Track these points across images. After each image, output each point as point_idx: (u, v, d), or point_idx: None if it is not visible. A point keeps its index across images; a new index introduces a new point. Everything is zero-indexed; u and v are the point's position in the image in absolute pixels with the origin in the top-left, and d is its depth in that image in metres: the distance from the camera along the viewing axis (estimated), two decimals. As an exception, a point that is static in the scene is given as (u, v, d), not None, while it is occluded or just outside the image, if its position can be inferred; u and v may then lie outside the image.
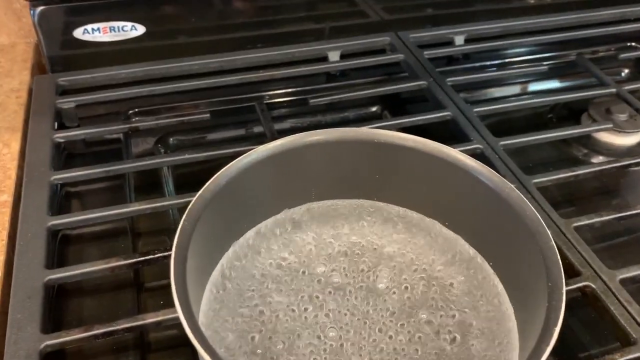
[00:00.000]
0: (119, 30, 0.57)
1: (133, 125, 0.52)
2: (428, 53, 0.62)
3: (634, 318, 0.37)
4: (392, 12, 0.65)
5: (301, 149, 0.36)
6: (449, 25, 0.65)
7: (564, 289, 0.28)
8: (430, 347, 0.31)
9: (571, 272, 0.40)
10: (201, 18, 0.59)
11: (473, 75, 0.60)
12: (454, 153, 0.35)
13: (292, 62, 0.60)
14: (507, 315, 0.33)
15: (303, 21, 0.62)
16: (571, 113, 0.61)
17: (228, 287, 0.34)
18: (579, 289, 0.39)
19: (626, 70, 0.69)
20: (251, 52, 0.60)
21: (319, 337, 0.32)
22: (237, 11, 0.60)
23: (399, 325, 0.33)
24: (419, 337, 0.32)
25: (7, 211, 0.43)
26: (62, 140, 0.50)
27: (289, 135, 0.36)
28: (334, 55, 0.61)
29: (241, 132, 0.58)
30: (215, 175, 0.33)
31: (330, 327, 0.32)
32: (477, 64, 0.65)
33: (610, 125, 0.55)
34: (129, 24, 0.57)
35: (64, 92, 0.55)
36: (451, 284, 0.35)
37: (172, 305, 0.26)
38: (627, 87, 0.58)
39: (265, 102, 0.57)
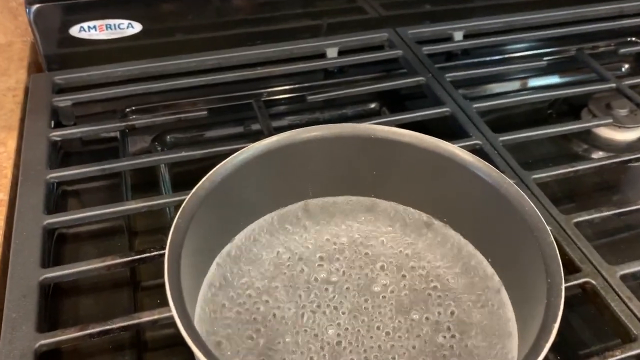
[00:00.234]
0: (115, 28, 0.57)
1: (130, 123, 0.52)
2: (426, 49, 0.61)
3: (634, 314, 0.36)
4: (390, 8, 0.64)
5: (297, 145, 0.36)
6: (447, 21, 0.65)
7: (563, 285, 0.28)
8: (429, 345, 0.31)
9: (571, 268, 0.39)
10: (198, 15, 0.59)
11: (472, 71, 0.60)
12: (452, 148, 0.35)
13: (289, 59, 0.60)
14: (506, 311, 0.33)
15: (300, 18, 0.62)
16: (571, 108, 0.60)
17: (224, 285, 0.33)
18: (579, 285, 0.38)
19: (626, 65, 0.69)
20: (248, 49, 0.59)
21: (316, 335, 0.31)
22: (234, 8, 0.60)
23: (397, 322, 0.32)
24: (417, 335, 0.32)
25: (2, 210, 0.43)
26: (58, 139, 0.49)
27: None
28: (331, 52, 0.61)
29: (239, 129, 0.57)
30: (210, 173, 0.33)
31: (328, 325, 0.32)
32: (476, 60, 0.65)
33: (611, 121, 0.54)
34: (125, 22, 0.57)
35: (61, 90, 0.55)
36: (449, 281, 0.35)
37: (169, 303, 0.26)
38: (627, 82, 0.58)
39: (262, 99, 0.56)
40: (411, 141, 0.36)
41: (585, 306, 0.39)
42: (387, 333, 0.32)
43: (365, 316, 0.33)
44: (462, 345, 0.31)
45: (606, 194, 0.52)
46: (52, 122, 0.51)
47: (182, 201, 0.31)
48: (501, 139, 0.49)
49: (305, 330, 0.32)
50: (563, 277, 0.29)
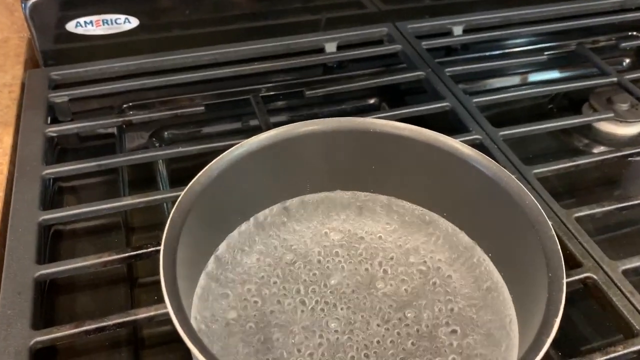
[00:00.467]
0: (112, 23, 0.57)
1: (127, 118, 0.51)
2: (426, 44, 0.61)
3: (636, 309, 0.36)
4: (390, 3, 0.64)
5: (295, 140, 0.35)
6: (447, 16, 0.64)
7: (565, 279, 0.28)
8: (429, 340, 0.31)
9: (572, 264, 0.39)
10: (195, 10, 0.58)
11: (472, 65, 0.59)
12: (451, 142, 0.35)
13: (288, 53, 0.59)
14: (507, 306, 0.32)
15: (299, 12, 0.62)
16: (572, 103, 0.60)
17: (221, 280, 0.33)
18: (580, 280, 0.38)
19: (627, 60, 0.68)
20: (246, 44, 0.59)
21: (315, 330, 0.31)
22: (232, 3, 0.59)
23: (396, 317, 0.32)
24: (417, 330, 0.31)
25: (-2, 206, 0.43)
26: (54, 134, 0.49)
27: (285, 127, 0.35)
28: (330, 47, 0.61)
29: (237, 125, 0.57)
30: (206, 167, 0.32)
31: (327, 320, 0.32)
32: (476, 55, 0.64)
33: (612, 115, 0.54)
34: (122, 17, 0.57)
35: (57, 86, 0.55)
36: (449, 276, 0.34)
37: (166, 300, 0.26)
38: (628, 76, 0.57)
39: (261, 94, 0.56)
40: (410, 135, 0.35)
41: (587, 301, 0.39)
42: (387, 329, 0.31)
43: (364, 312, 0.32)
44: (463, 340, 0.31)
45: (607, 189, 0.51)
46: (49, 118, 0.51)
47: (179, 197, 0.31)
48: (501, 133, 0.49)
49: (304, 326, 0.31)
50: (564, 271, 0.28)
